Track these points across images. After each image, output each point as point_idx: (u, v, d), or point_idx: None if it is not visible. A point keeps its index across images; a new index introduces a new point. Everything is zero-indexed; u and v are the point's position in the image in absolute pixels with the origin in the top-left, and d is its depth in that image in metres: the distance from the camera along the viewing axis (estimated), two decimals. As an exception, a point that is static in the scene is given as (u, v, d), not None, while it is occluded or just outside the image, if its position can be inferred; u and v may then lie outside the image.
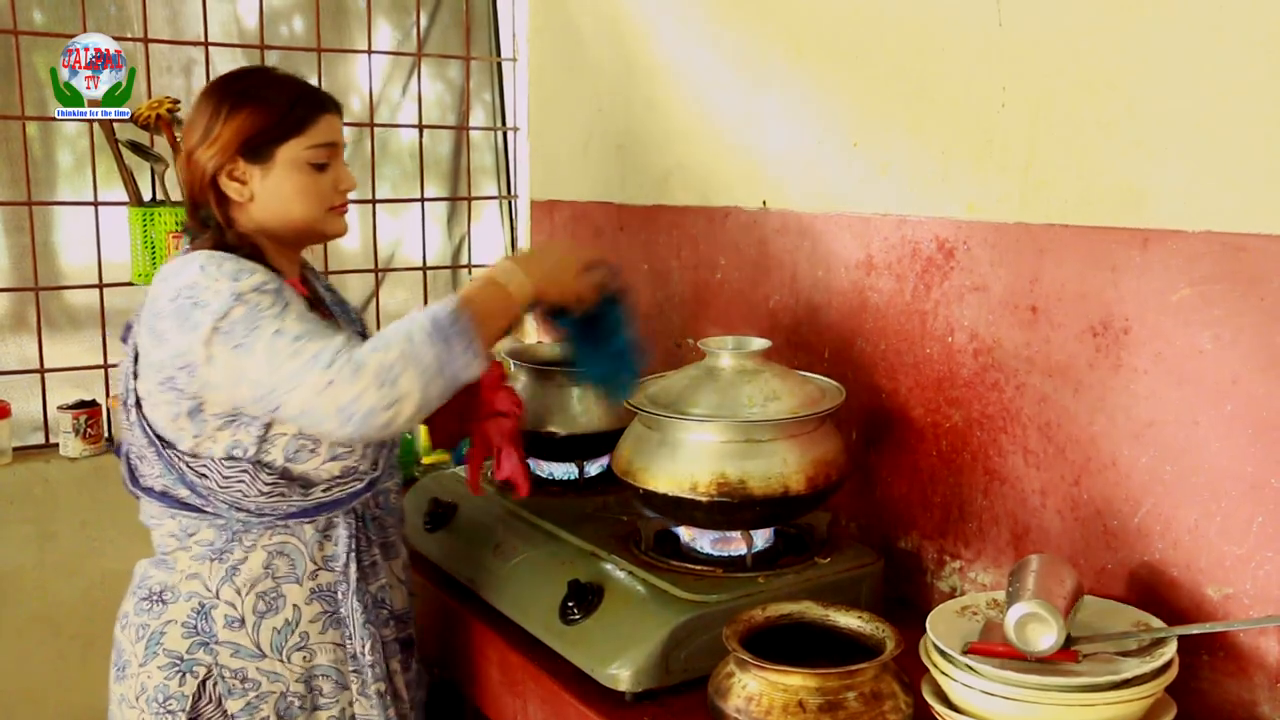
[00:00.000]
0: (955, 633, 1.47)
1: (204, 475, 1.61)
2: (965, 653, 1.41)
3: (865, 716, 1.39)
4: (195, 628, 1.64)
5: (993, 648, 1.42)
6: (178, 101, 2.46)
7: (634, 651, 1.63)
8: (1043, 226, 1.70)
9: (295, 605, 1.67)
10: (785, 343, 2.21)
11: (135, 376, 1.64)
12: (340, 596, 1.70)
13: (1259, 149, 1.42)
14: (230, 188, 1.65)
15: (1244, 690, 1.49)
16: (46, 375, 2.56)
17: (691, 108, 2.45)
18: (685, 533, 1.88)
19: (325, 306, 1.82)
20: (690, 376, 1.89)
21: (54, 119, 2.56)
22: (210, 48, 2.65)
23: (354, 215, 3.03)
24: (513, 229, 3.23)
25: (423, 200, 3.01)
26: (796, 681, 1.41)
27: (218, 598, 1.64)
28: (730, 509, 1.75)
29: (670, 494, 1.77)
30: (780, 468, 1.75)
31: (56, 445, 2.51)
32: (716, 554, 1.85)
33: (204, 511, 1.63)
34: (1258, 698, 1.48)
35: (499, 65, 3.18)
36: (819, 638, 1.57)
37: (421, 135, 2.99)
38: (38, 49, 2.53)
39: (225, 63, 2.75)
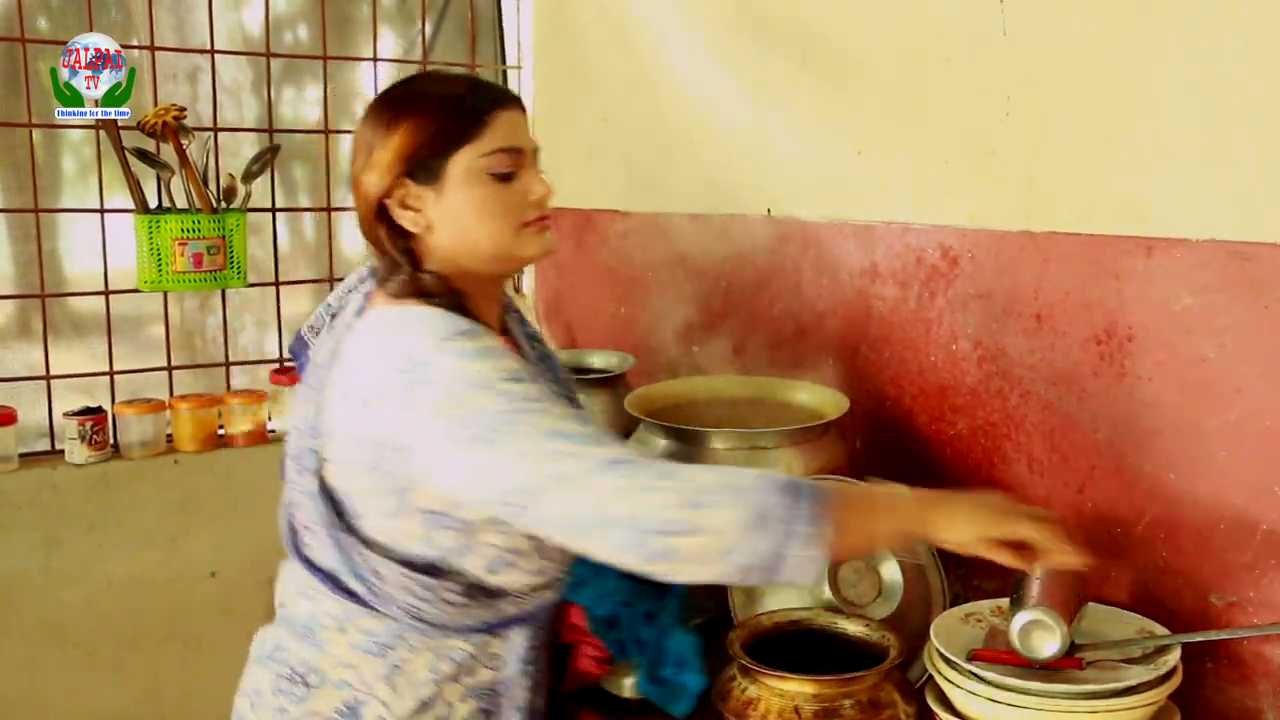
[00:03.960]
0: (960, 639, 1.48)
1: (380, 575, 1.36)
2: (970, 659, 1.42)
3: (863, 724, 1.40)
4: None
5: (997, 654, 1.42)
6: (184, 109, 2.46)
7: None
8: (1046, 235, 1.71)
9: (449, 703, 1.43)
10: (790, 349, 2.21)
11: (317, 434, 1.37)
12: (500, 701, 1.47)
13: (1262, 158, 1.43)
14: (404, 217, 1.38)
15: (1248, 698, 1.50)
16: (52, 382, 2.56)
17: (697, 116, 2.46)
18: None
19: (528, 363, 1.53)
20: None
21: (58, 125, 2.57)
22: (215, 55, 2.66)
23: (353, 222, 3.04)
24: (517, 236, 3.22)
25: (427, 208, 3.02)
26: (793, 688, 1.42)
27: (371, 694, 1.39)
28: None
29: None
30: (784, 474, 1.75)
31: (62, 452, 2.51)
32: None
33: (374, 609, 1.39)
34: (1262, 705, 1.49)
35: (504, 74, 3.19)
36: (831, 646, 1.57)
37: (426, 143, 2.99)
38: (43, 56, 2.53)
39: (229, 69, 2.76)
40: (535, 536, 1.33)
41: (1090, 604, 1.52)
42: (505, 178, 1.37)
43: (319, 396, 1.38)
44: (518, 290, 3.22)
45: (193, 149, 2.51)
